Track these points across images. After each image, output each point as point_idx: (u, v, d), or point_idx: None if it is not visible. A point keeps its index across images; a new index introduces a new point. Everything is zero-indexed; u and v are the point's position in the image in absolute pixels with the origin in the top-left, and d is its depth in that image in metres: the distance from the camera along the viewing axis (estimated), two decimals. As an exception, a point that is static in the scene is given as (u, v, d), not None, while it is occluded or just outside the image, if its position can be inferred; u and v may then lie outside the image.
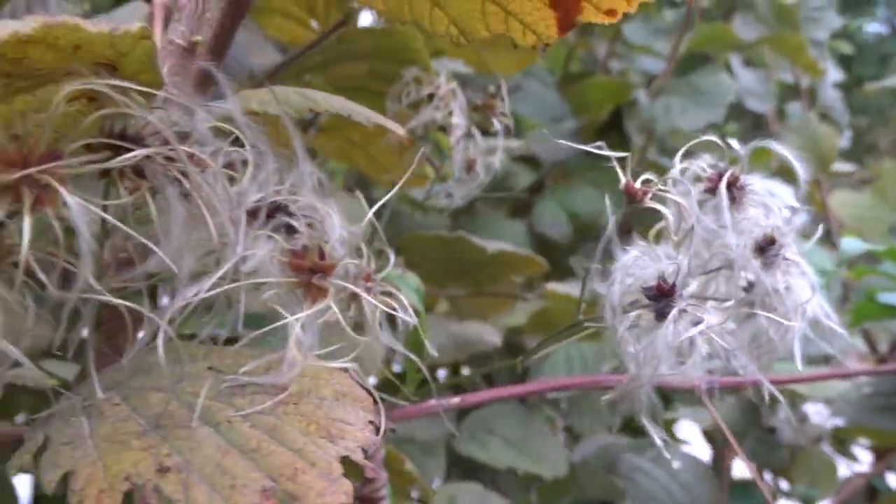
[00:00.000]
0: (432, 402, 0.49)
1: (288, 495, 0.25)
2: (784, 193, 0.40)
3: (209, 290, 0.28)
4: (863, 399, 0.82)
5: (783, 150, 0.41)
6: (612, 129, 1.29)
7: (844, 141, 1.51)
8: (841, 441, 1.30)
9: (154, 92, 0.29)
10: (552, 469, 0.79)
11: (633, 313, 0.35)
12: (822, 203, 1.30)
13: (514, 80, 1.10)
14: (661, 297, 0.35)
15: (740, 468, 1.05)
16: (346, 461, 0.26)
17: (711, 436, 1.07)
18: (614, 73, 1.30)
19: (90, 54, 0.27)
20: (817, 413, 1.21)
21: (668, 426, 1.08)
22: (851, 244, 0.77)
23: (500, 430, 0.82)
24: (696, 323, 0.34)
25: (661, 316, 0.35)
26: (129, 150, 0.28)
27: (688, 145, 0.41)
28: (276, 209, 0.32)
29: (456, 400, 0.53)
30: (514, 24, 0.37)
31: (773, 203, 0.39)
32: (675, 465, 0.90)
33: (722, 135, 0.42)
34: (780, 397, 0.40)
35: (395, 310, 0.35)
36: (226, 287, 0.29)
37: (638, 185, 0.38)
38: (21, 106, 0.28)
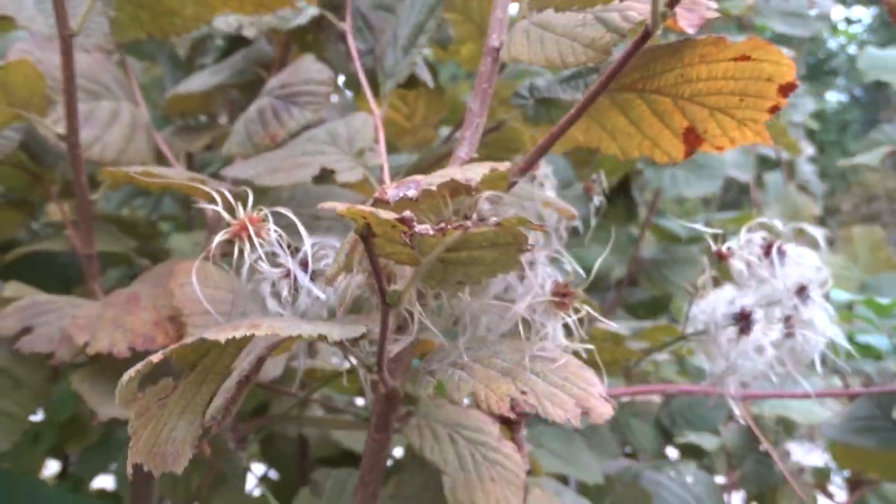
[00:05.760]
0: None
1: (584, 408, 0.37)
2: (811, 256, 0.54)
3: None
4: (843, 422, 0.86)
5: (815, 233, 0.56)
6: (620, 194, 1.33)
7: (817, 209, 1.55)
8: (821, 481, 1.34)
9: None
10: (592, 476, 0.83)
11: (729, 327, 0.50)
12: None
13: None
14: (743, 319, 0.50)
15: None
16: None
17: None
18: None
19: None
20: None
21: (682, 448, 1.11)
22: (839, 294, 0.84)
23: (547, 444, 0.86)
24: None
25: (744, 330, 0.50)
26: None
27: (749, 224, 0.54)
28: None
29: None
30: (657, 150, 0.47)
31: (803, 262, 0.52)
32: (689, 479, 0.94)
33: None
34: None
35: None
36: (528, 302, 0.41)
37: (724, 249, 0.53)
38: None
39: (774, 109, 0.41)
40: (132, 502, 0.58)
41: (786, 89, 0.40)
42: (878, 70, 1.44)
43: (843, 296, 0.82)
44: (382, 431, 0.45)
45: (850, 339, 0.84)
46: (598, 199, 0.65)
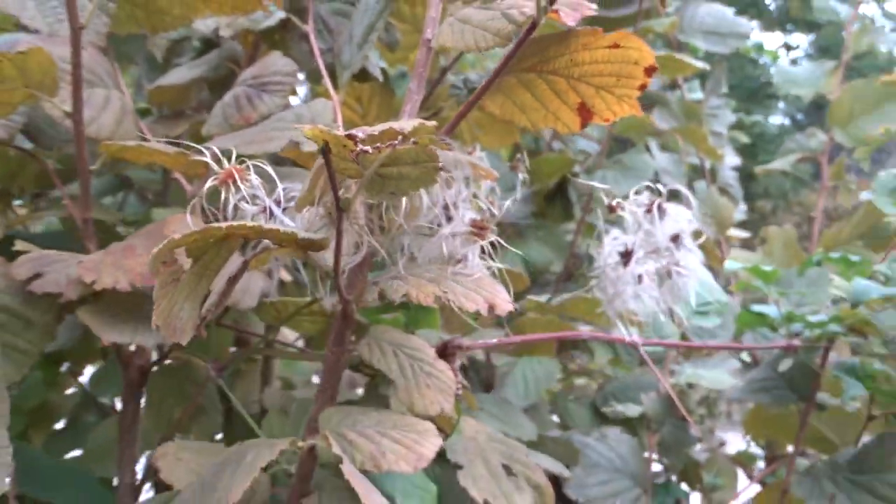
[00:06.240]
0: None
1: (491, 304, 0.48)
2: (685, 213, 0.66)
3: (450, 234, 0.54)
4: (745, 385, 1.00)
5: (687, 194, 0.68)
6: (558, 195, 1.46)
7: (740, 214, 1.71)
8: (747, 465, 1.49)
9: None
10: (526, 434, 0.94)
11: (613, 260, 0.63)
12: (720, 259, 1.49)
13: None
14: (626, 255, 0.62)
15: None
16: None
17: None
18: (556, 152, 1.48)
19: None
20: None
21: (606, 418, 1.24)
22: (732, 264, 0.98)
23: (486, 408, 0.97)
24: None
25: (625, 262, 0.62)
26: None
27: (636, 187, 0.66)
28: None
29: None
30: (558, 122, 0.60)
31: (679, 217, 0.64)
32: (612, 440, 1.07)
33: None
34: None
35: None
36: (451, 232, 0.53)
37: (614, 203, 0.65)
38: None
39: (643, 87, 0.54)
40: (121, 427, 0.68)
41: (649, 70, 0.53)
42: (789, 84, 1.61)
43: (734, 265, 0.95)
44: (339, 345, 0.56)
45: (747, 311, 0.98)
46: (522, 175, 0.78)
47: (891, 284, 0.89)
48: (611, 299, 0.61)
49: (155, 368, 0.71)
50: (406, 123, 0.45)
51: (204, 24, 0.79)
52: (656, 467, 1.24)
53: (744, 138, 2.19)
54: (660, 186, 0.65)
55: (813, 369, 0.95)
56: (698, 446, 1.43)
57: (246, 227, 0.39)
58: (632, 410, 1.18)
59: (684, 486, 1.37)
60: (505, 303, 0.48)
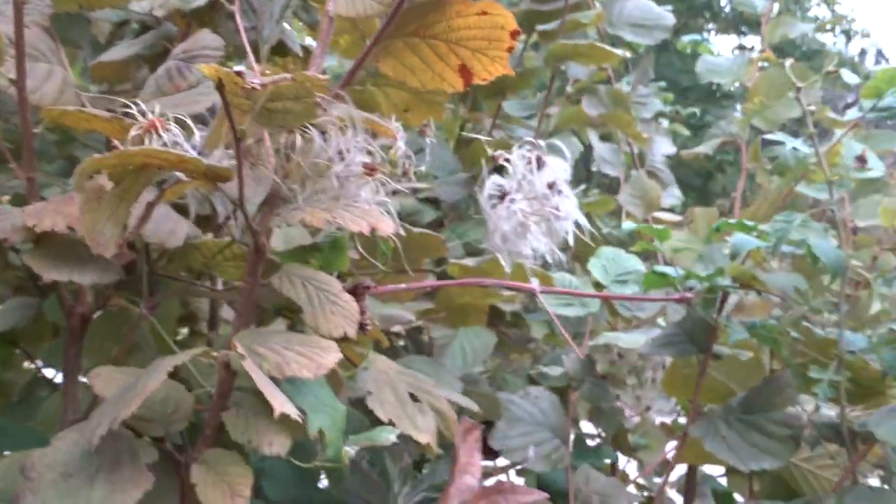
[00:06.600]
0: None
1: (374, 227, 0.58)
2: (562, 164, 0.76)
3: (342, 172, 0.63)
4: (654, 341, 1.09)
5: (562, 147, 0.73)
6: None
7: (672, 198, 1.81)
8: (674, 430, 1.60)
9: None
10: (453, 388, 1.03)
11: (492, 199, 0.71)
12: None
13: (419, 144, 1.39)
14: (503, 195, 0.72)
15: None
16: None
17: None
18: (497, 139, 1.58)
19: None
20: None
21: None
22: (628, 225, 1.09)
23: (416, 367, 1.06)
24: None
25: (501, 201, 0.72)
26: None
27: (519, 143, 0.75)
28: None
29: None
30: (445, 83, 0.69)
31: (556, 168, 0.70)
32: (534, 397, 1.17)
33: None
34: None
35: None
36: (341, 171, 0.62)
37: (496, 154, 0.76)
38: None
39: (510, 49, 0.64)
40: (64, 369, 0.76)
41: (514, 34, 0.63)
42: (710, 73, 1.73)
43: (630, 225, 1.06)
44: (252, 277, 0.65)
45: (653, 272, 1.09)
46: (429, 140, 0.88)
47: (768, 239, 1.00)
48: (491, 234, 0.71)
49: (95, 316, 0.79)
50: (298, 74, 0.54)
51: (139, 6, 0.88)
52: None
53: (685, 131, 2.31)
54: (541, 142, 0.75)
55: (709, 323, 1.05)
56: (628, 414, 1.53)
57: (156, 152, 0.48)
58: (555, 372, 1.28)
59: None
60: (387, 227, 0.57)
